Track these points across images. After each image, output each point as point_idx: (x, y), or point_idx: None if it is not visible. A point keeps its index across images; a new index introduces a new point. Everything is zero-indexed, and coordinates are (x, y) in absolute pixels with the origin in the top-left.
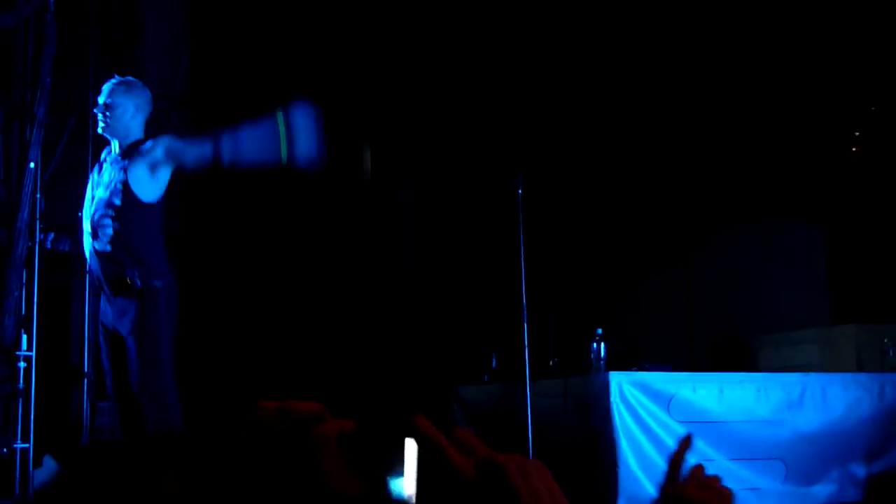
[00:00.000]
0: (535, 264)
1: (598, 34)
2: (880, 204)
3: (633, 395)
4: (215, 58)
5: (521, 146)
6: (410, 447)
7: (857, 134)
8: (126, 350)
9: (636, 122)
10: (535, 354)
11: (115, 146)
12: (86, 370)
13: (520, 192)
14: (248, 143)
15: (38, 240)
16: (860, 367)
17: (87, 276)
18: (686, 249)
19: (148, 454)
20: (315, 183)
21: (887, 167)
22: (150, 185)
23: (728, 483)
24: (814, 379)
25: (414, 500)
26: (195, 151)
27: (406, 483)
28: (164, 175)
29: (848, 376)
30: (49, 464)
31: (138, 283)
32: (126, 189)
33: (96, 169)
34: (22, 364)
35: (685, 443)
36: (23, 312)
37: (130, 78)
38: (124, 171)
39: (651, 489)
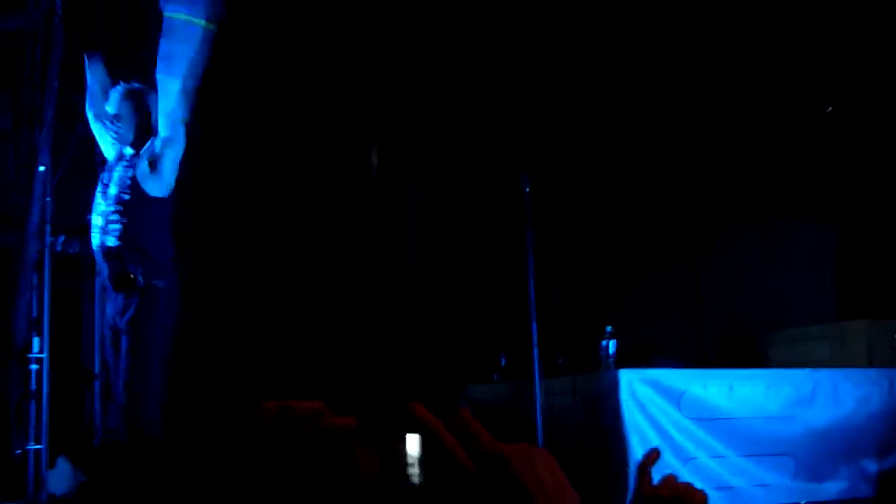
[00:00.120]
0: (543, 262)
1: (605, 33)
2: (891, 199)
3: (643, 392)
4: (221, 59)
5: (528, 144)
6: (412, 439)
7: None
8: (120, 344)
9: (643, 120)
10: (544, 353)
11: (126, 151)
12: (97, 372)
13: (527, 189)
14: None
15: (48, 243)
16: (871, 363)
17: (97, 278)
18: (694, 246)
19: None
20: (322, 180)
21: None
22: (154, 180)
23: (738, 480)
24: (824, 375)
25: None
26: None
27: (411, 475)
28: (168, 168)
29: (858, 372)
30: (62, 465)
31: (140, 280)
32: (134, 184)
33: (108, 168)
34: (34, 366)
35: (653, 453)
36: (34, 315)
37: (136, 85)
38: (132, 168)
39: None
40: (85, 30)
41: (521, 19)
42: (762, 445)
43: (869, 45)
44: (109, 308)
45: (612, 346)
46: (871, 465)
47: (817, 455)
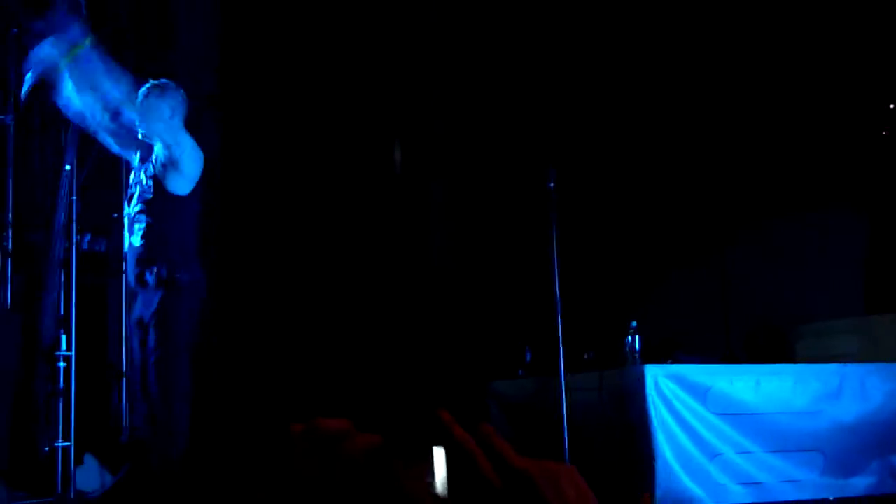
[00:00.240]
0: (568, 257)
1: (632, 27)
2: None
3: (669, 387)
4: (246, 57)
5: (554, 140)
6: (438, 453)
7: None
8: (147, 340)
9: (670, 113)
10: (570, 348)
11: (158, 147)
12: (124, 369)
13: (552, 185)
14: None
15: (75, 241)
16: None
17: (124, 276)
18: (721, 240)
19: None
20: (346, 179)
21: None
22: (176, 178)
23: (765, 476)
24: (852, 370)
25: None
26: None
27: (438, 489)
28: (189, 167)
29: (887, 366)
30: (90, 462)
31: (164, 274)
32: (157, 183)
33: (138, 168)
34: (62, 364)
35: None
36: (61, 313)
37: (163, 80)
38: (153, 166)
39: (688, 482)
40: (110, 29)
41: (548, 15)
42: (790, 441)
43: None
44: (137, 306)
45: (637, 341)
46: None
47: (845, 450)
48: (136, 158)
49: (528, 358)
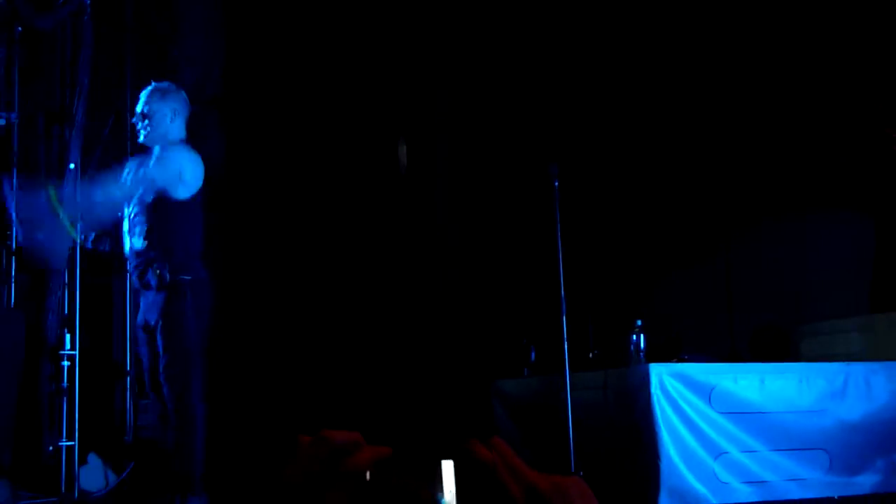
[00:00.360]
0: (573, 256)
1: (636, 22)
2: None
3: (674, 386)
4: (250, 59)
5: (558, 137)
6: (447, 467)
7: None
8: (156, 343)
9: (674, 111)
10: (575, 347)
11: (156, 151)
12: (128, 368)
13: (556, 182)
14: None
15: (79, 240)
16: None
17: (128, 275)
18: (725, 239)
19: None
20: (351, 179)
21: None
22: (175, 184)
23: (770, 474)
24: (857, 368)
25: None
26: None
27: (447, 501)
28: (188, 173)
29: (892, 365)
30: (94, 462)
31: (167, 276)
32: (155, 185)
33: (133, 168)
34: (66, 363)
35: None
36: (66, 312)
37: (165, 83)
38: (151, 168)
39: (693, 481)
40: (114, 27)
41: (552, 10)
42: (795, 439)
43: None
44: (141, 308)
45: (642, 339)
46: None
47: (850, 449)
48: (135, 162)
49: (533, 357)
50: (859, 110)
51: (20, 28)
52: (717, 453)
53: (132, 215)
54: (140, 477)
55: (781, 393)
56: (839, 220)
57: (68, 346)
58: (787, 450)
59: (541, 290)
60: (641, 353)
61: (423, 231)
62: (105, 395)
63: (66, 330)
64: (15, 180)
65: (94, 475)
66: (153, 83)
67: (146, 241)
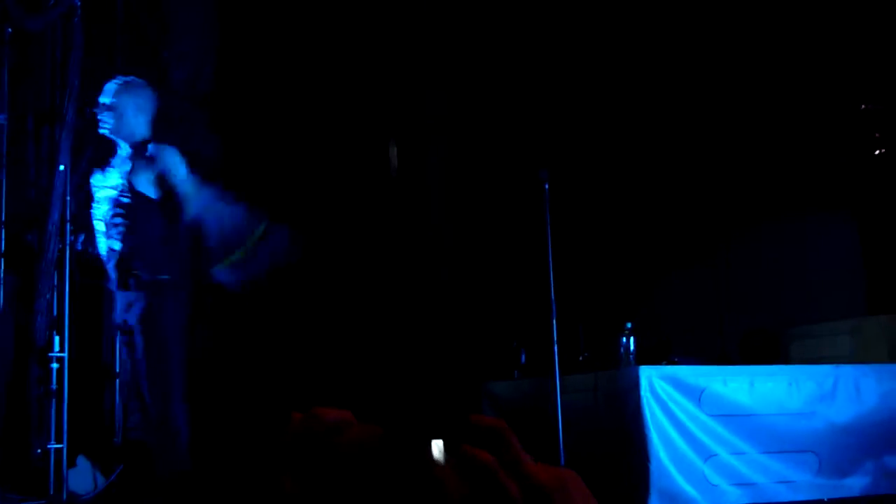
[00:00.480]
0: (563, 258)
1: (628, 27)
2: None
3: (664, 389)
4: (241, 58)
5: (549, 140)
6: (437, 447)
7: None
8: (135, 344)
9: (666, 115)
10: (565, 349)
11: (123, 146)
12: (117, 370)
13: (546, 185)
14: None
15: (68, 241)
16: (893, 359)
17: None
18: (715, 243)
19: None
20: (343, 179)
21: None
22: (157, 188)
23: (760, 476)
24: (846, 371)
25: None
26: (194, 206)
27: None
28: (172, 180)
29: (881, 367)
30: (83, 464)
31: (144, 276)
32: (133, 188)
33: (103, 171)
34: (55, 365)
35: None
36: (55, 314)
37: (132, 77)
38: (128, 168)
39: (683, 483)
40: (104, 27)
41: (543, 13)
42: (784, 442)
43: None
44: (117, 309)
45: (631, 342)
46: (894, 462)
47: (840, 451)
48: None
49: (524, 359)
50: (846, 114)
51: (10, 29)
52: (707, 455)
53: (109, 216)
54: (129, 479)
55: (771, 395)
56: (829, 223)
57: (57, 348)
58: (777, 452)
59: (531, 292)
60: (631, 356)
61: (413, 233)
62: (94, 398)
63: (55, 332)
64: (4, 181)
65: (82, 477)
66: (119, 77)
67: (123, 243)
